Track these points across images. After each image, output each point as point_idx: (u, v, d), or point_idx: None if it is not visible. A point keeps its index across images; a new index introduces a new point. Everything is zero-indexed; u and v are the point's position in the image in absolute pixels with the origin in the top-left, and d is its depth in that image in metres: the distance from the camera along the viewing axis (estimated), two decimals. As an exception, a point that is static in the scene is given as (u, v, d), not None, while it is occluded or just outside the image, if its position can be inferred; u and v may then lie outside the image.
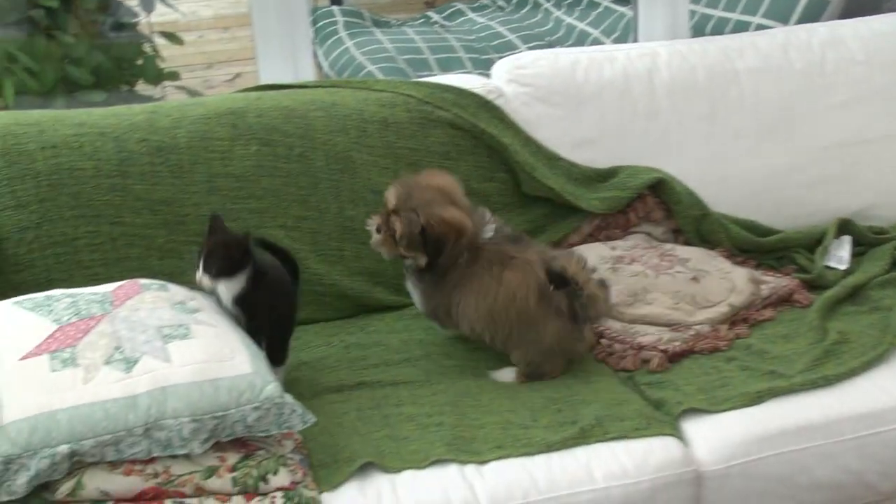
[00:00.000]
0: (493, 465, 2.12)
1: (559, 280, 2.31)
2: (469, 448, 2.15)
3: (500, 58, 3.08)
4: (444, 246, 2.36)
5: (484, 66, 4.21)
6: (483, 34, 4.60)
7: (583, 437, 2.17)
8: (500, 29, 4.63)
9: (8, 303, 2.16)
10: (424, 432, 2.19)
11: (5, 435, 1.85)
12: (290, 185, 2.65)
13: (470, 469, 2.11)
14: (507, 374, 2.41)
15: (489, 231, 2.43)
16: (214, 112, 2.64)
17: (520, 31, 4.59)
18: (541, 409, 2.27)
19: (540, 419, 2.23)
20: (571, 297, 2.33)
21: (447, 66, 4.28)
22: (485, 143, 2.79)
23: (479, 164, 2.80)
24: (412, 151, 2.74)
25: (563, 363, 2.41)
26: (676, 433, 2.21)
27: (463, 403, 2.29)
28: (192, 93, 4.54)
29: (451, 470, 2.10)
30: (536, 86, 2.89)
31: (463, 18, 4.94)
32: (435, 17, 5.05)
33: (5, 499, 1.84)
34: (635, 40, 3.37)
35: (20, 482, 1.84)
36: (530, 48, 4.35)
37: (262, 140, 2.64)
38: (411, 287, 2.49)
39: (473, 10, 5.03)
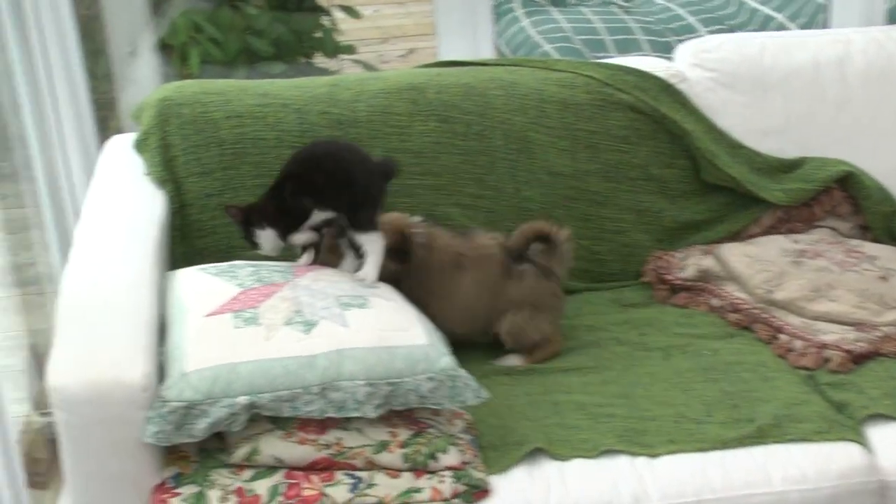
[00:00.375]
0: (665, 460, 2.08)
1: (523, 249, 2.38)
2: (640, 440, 2.11)
3: (679, 41, 3.00)
4: (409, 250, 2.33)
5: (662, 49, 4.12)
6: (662, 16, 4.50)
7: (760, 437, 2.11)
8: (680, 11, 4.52)
9: (194, 269, 2.21)
10: (595, 422, 2.16)
11: (188, 382, 1.89)
12: (467, 164, 2.63)
13: (641, 462, 2.07)
14: (512, 360, 2.38)
15: (418, 229, 2.39)
16: (395, 87, 2.65)
17: (700, 13, 4.47)
18: (716, 403, 2.21)
19: (715, 414, 2.17)
20: (545, 255, 2.38)
21: (625, 47, 4.20)
22: (665, 129, 2.73)
23: (659, 149, 2.74)
24: (591, 134, 2.69)
25: (558, 331, 2.41)
26: (860, 439, 2.12)
27: (634, 394, 2.25)
28: (368, 67, 4.57)
29: (622, 462, 2.07)
30: (721, 71, 2.81)
31: (642, -1, 4.85)
32: (613, -3, 4.97)
33: (186, 440, 1.88)
34: (825, 26, 3.25)
35: (200, 427, 1.88)
36: (710, 32, 4.24)
37: (441, 117, 2.63)
38: None
39: (653, -10, 4.93)
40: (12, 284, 3.21)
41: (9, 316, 3.13)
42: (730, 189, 2.76)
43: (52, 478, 2.73)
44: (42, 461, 2.76)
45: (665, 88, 2.77)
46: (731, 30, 4.29)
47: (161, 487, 1.91)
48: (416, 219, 2.42)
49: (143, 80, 3.87)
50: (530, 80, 2.72)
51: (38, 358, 2.89)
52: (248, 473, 1.93)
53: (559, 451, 2.08)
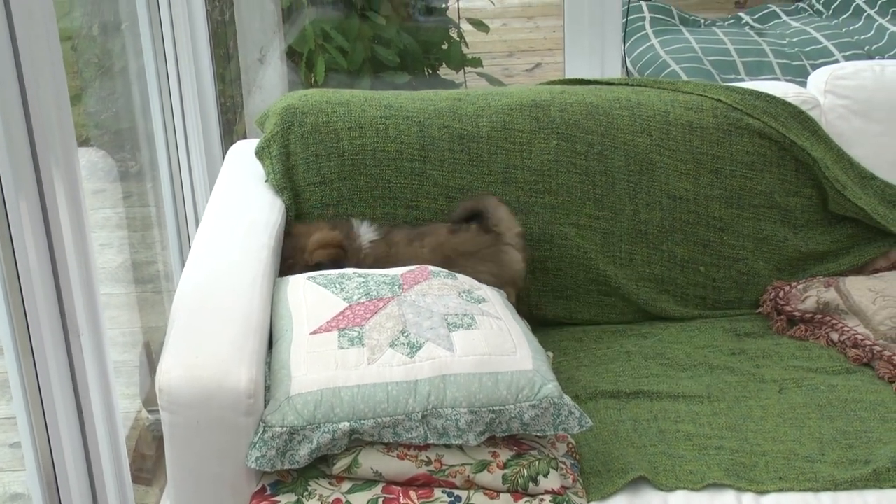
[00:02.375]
0: (773, 497, 2.02)
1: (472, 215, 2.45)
2: (749, 476, 2.05)
3: (813, 65, 2.92)
4: (338, 262, 2.33)
5: (794, 73, 4.02)
6: (796, 39, 4.40)
7: (875, 480, 2.03)
8: (816, 35, 4.41)
9: (303, 277, 2.22)
10: (702, 453, 2.10)
11: (293, 406, 1.90)
12: (586, 183, 2.60)
13: (748, 498, 2.02)
14: None
15: (368, 234, 2.41)
16: (518, 103, 2.63)
17: (837, 38, 4.36)
18: (830, 442, 2.14)
19: (828, 454, 2.10)
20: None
21: (756, 70, 4.11)
22: (793, 156, 2.66)
23: (785, 176, 2.67)
24: (716, 158, 2.64)
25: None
26: (982, 489, 2.03)
27: (745, 428, 2.19)
28: (492, 80, 4.57)
29: (728, 496, 2.02)
30: (856, 98, 2.73)
31: (776, 21, 4.74)
32: (746, 18, 4.87)
33: (287, 467, 1.89)
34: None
35: (302, 453, 1.89)
36: (847, 57, 4.13)
37: (563, 135, 2.61)
38: None
39: (788, 13, 4.82)
40: (131, 281, 3.28)
41: (126, 312, 3.20)
42: (856, 220, 2.68)
43: (158, 475, 2.79)
44: (149, 457, 2.82)
45: (796, 115, 2.70)
46: (870, 55, 4.17)
47: (260, 493, 1.93)
48: (365, 225, 2.45)
49: (270, 86, 3.93)
50: (656, 101, 2.69)
51: (151, 355, 2.95)
52: (346, 485, 1.93)
53: (664, 481, 2.03)
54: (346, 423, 1.89)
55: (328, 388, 1.92)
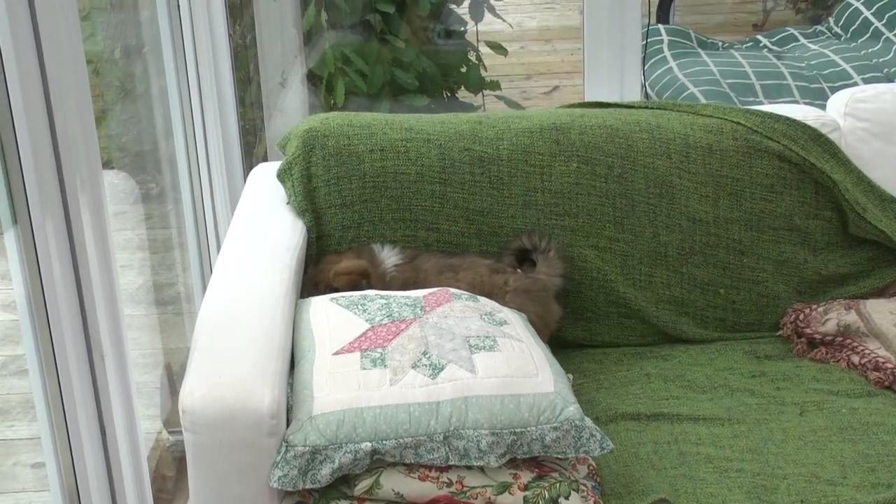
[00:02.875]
0: (795, 520, 2.01)
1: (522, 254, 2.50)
2: (770, 499, 2.05)
3: (831, 88, 2.93)
4: (359, 288, 2.33)
5: (813, 96, 4.02)
6: (815, 62, 4.40)
7: (898, 504, 2.02)
8: (835, 58, 4.41)
9: (325, 299, 2.23)
10: (723, 476, 2.10)
11: (315, 426, 1.91)
12: (606, 206, 2.61)
13: (769, 521, 2.01)
14: None
15: (391, 258, 2.42)
16: (538, 126, 2.64)
17: (855, 60, 4.36)
18: (852, 465, 2.13)
19: (850, 477, 2.10)
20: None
21: (774, 93, 4.12)
22: (812, 179, 2.66)
23: (805, 199, 2.67)
24: (735, 181, 2.64)
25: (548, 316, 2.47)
26: None
27: (766, 450, 2.18)
28: (511, 103, 4.58)
29: (749, 519, 2.01)
30: (876, 121, 2.73)
31: (794, 44, 4.75)
32: (764, 41, 4.88)
33: (308, 486, 1.90)
34: None
35: (324, 472, 1.89)
36: (865, 80, 4.12)
37: (583, 158, 2.61)
38: None
39: (806, 36, 4.83)
40: (152, 303, 3.29)
41: (147, 334, 3.22)
42: (877, 243, 2.68)
43: (178, 495, 2.79)
44: (169, 478, 2.83)
45: (815, 138, 2.70)
46: (889, 78, 4.17)
47: (282, 514, 1.93)
48: (387, 249, 2.46)
49: (291, 109, 3.96)
50: (676, 124, 2.69)
51: (171, 376, 2.96)
52: (368, 506, 1.94)
53: (684, 503, 2.03)
54: (369, 444, 1.90)
55: (351, 408, 1.93)
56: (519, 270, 2.50)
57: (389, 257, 2.44)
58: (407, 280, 2.40)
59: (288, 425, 1.94)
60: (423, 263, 2.45)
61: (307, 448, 1.89)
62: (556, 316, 2.50)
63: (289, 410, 1.98)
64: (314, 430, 1.90)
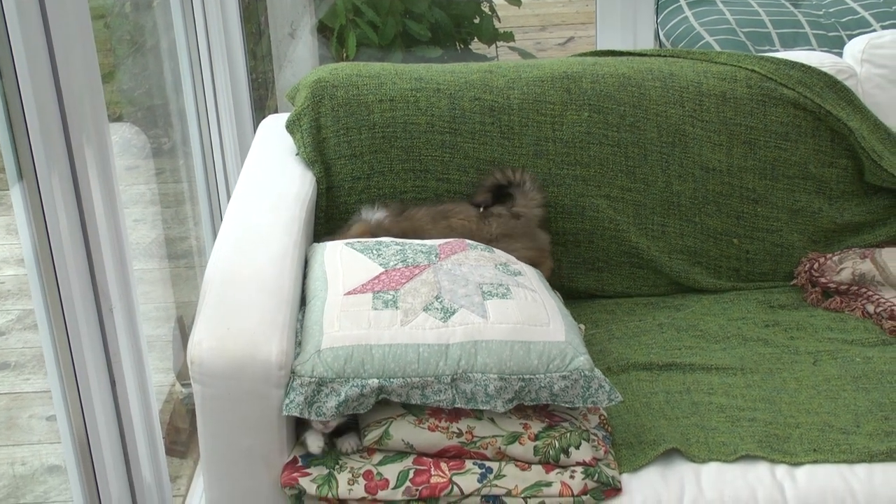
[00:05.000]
0: (807, 469, 2.00)
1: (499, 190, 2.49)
2: (782, 448, 2.04)
3: (849, 35, 2.88)
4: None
5: (831, 45, 3.97)
6: (833, 10, 4.34)
7: (911, 452, 2.01)
8: (853, 4, 4.35)
9: (340, 243, 2.23)
10: (735, 425, 2.09)
11: (322, 359, 1.91)
12: (618, 155, 2.59)
13: (781, 470, 2.00)
14: None
15: (376, 214, 2.41)
16: (549, 75, 2.62)
17: (875, 7, 4.30)
18: (865, 414, 2.12)
19: (864, 426, 2.09)
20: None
21: (791, 41, 4.06)
22: (828, 126, 2.63)
23: (820, 147, 2.64)
24: (749, 129, 2.61)
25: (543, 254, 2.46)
26: None
27: (778, 400, 2.17)
28: (525, 54, 4.54)
29: (761, 468, 2.01)
30: (894, 67, 2.70)
31: (812, -8, 4.69)
32: (782, -12, 4.82)
33: (314, 418, 1.90)
34: None
35: (329, 405, 1.89)
36: (884, 27, 4.07)
37: (595, 107, 2.59)
38: None
39: (824, -18, 4.77)
40: (165, 257, 3.30)
41: (160, 287, 3.22)
42: (894, 191, 2.65)
43: (192, 447, 2.81)
44: (184, 430, 2.84)
45: (831, 85, 2.67)
46: (908, 25, 4.11)
47: (291, 465, 1.94)
48: (374, 209, 2.44)
49: (301, 61, 3.93)
50: (689, 72, 2.66)
51: (184, 329, 2.97)
52: (377, 457, 1.94)
53: (696, 453, 2.02)
54: (376, 380, 1.90)
55: (360, 344, 1.92)
56: (493, 210, 2.48)
57: (376, 215, 2.42)
58: (405, 230, 2.39)
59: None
60: (414, 213, 2.44)
61: (313, 379, 1.89)
62: (545, 243, 2.48)
63: (297, 345, 1.97)
64: (321, 363, 1.90)
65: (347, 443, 1.96)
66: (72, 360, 1.92)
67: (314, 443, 1.94)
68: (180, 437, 2.82)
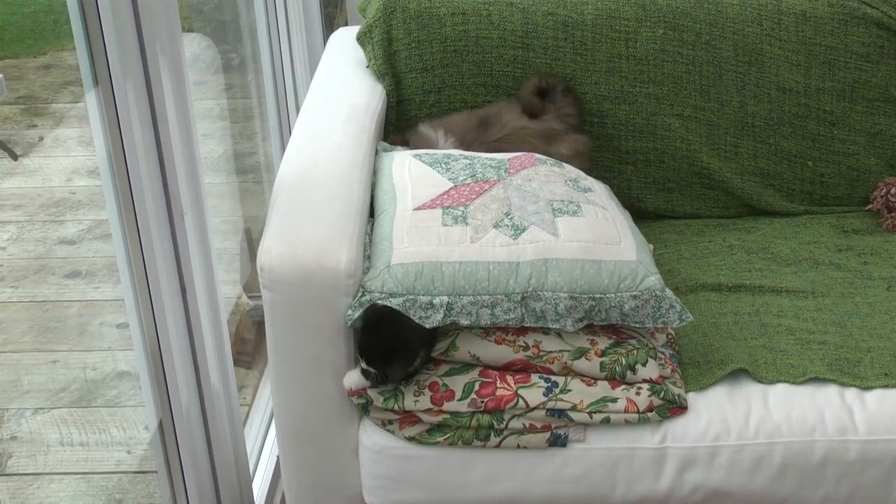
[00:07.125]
0: (877, 393, 1.98)
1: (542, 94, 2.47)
2: (853, 371, 2.01)
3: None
4: None
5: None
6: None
7: (985, 378, 1.97)
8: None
9: (409, 153, 2.22)
10: (805, 348, 2.07)
11: (393, 275, 1.90)
12: (692, 74, 2.54)
13: (850, 393, 1.98)
14: None
15: (444, 143, 2.37)
16: (624, -10, 2.57)
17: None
18: (940, 340, 2.08)
19: (937, 351, 2.05)
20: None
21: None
22: (910, 48, 2.56)
23: (902, 69, 2.57)
24: (828, 49, 2.55)
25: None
26: None
27: (850, 324, 2.14)
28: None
29: (830, 391, 1.98)
30: (981, -12, 2.60)
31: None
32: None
33: None
34: None
35: None
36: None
37: (670, 24, 2.54)
38: None
39: None
40: (233, 171, 3.31)
41: (227, 201, 3.24)
42: (976, 117, 2.58)
43: (258, 359, 2.84)
44: (250, 342, 2.87)
45: (917, 4, 2.59)
46: None
47: (360, 374, 1.94)
48: (426, 128, 2.42)
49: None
50: (768, -11, 2.60)
51: (251, 242, 2.99)
52: (444, 368, 1.94)
53: (764, 373, 2.00)
54: (445, 298, 1.88)
55: (430, 261, 1.91)
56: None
57: (444, 143, 2.40)
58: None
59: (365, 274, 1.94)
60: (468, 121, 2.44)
61: (384, 295, 1.88)
62: (580, 145, 2.45)
63: (366, 259, 1.97)
64: (392, 279, 1.89)
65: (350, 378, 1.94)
66: (144, 267, 1.94)
67: (350, 378, 1.94)
68: (246, 348, 2.86)
